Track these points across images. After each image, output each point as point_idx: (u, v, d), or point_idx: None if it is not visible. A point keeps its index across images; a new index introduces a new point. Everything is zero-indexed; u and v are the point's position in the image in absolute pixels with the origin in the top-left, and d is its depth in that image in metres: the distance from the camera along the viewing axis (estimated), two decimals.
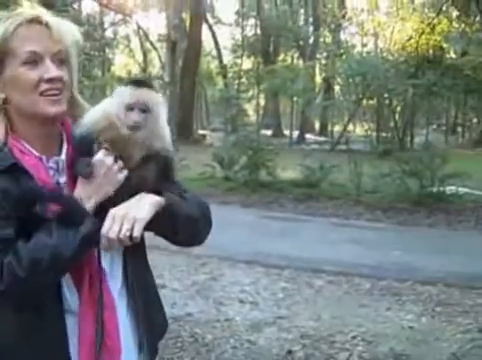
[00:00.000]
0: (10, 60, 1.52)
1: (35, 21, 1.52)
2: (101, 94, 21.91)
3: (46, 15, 1.56)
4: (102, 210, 1.52)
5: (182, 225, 1.60)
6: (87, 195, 1.53)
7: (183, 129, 18.92)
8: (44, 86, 1.52)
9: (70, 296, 1.57)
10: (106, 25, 36.61)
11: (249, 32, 40.62)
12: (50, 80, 1.52)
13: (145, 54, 40.01)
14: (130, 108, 1.55)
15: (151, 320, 1.72)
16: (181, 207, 1.59)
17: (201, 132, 27.38)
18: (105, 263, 1.60)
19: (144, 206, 1.51)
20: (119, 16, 34.59)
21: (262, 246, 7.28)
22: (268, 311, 5.05)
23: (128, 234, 1.45)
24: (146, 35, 36.26)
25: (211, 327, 4.67)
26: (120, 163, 1.57)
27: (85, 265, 1.54)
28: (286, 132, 29.62)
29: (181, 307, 5.07)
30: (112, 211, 1.48)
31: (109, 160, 1.56)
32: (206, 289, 5.62)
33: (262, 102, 33.56)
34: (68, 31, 1.58)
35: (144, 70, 37.86)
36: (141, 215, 1.48)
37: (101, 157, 1.56)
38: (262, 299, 5.37)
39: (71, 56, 1.62)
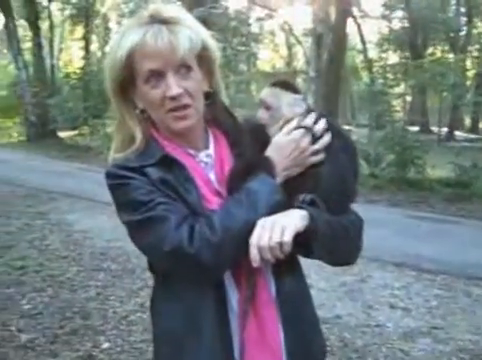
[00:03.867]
0: (137, 76, 1.51)
1: (151, 36, 1.47)
2: (246, 89, 22.24)
3: (166, 23, 1.50)
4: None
5: (327, 244, 1.49)
6: (280, 169, 1.50)
7: None
8: (169, 104, 1.50)
9: (232, 296, 1.53)
10: (252, 20, 37.08)
11: (396, 25, 39.43)
12: (173, 98, 1.48)
13: (290, 49, 40.13)
14: (259, 105, 1.57)
15: (304, 340, 1.61)
16: (328, 225, 1.48)
17: (346, 127, 26.96)
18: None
19: (294, 216, 1.44)
20: (265, 11, 34.91)
21: (412, 248, 6.95)
22: (421, 319, 4.78)
23: (278, 240, 1.38)
24: (291, 29, 36.32)
25: (361, 332, 4.50)
26: (316, 146, 1.52)
27: (244, 263, 1.48)
28: (433, 129, 28.45)
29: (329, 309, 4.93)
30: (260, 221, 1.42)
31: (306, 140, 1.51)
32: (355, 291, 5.43)
33: (408, 97, 32.48)
34: (190, 36, 1.51)
35: (288, 65, 38.01)
36: (291, 223, 1.41)
37: (299, 135, 1.52)
38: (414, 306, 5.10)
39: (205, 59, 1.58)
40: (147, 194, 1.49)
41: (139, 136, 1.57)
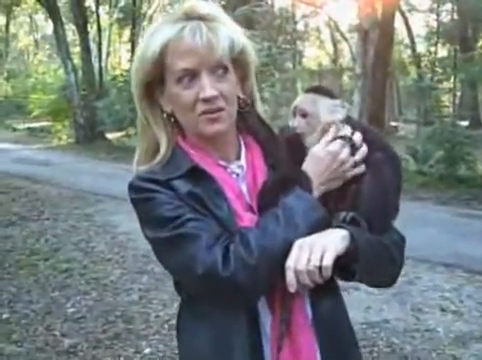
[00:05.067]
0: (168, 75, 1.40)
1: (189, 31, 1.36)
2: (292, 87, 22.11)
3: (203, 20, 1.39)
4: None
5: (368, 266, 1.37)
6: (317, 183, 1.40)
7: (375, 121, 18.40)
8: (201, 107, 1.38)
9: (265, 319, 1.42)
10: (297, 18, 36.87)
11: (445, 18, 38.63)
12: (206, 100, 1.37)
13: (335, 45, 39.75)
14: (293, 113, 1.46)
15: None
16: (369, 246, 1.36)
17: (393, 123, 26.49)
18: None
19: (334, 236, 1.32)
20: (310, 8, 34.65)
21: (463, 248, 6.70)
22: (474, 323, 4.59)
23: (318, 264, 1.26)
24: (337, 26, 35.98)
25: (410, 337, 4.34)
26: (356, 157, 1.41)
27: (277, 286, 1.37)
28: None
29: (376, 312, 4.79)
30: (298, 242, 1.31)
31: (345, 152, 1.40)
32: (403, 293, 5.25)
33: (458, 91, 31.78)
34: (231, 35, 1.41)
35: (334, 61, 37.66)
36: (331, 245, 1.29)
37: (338, 148, 1.41)
38: (466, 309, 4.90)
39: (241, 63, 1.48)
40: (175, 209, 1.39)
41: (164, 144, 1.47)
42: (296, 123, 1.47)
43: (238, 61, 1.47)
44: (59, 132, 21.93)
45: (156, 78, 1.44)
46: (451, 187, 10.85)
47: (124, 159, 14.52)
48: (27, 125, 25.88)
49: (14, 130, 26.38)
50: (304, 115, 1.46)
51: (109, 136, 20.41)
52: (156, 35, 1.40)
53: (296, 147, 1.47)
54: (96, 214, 8.82)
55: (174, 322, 4.51)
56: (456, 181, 11.15)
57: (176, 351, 4.01)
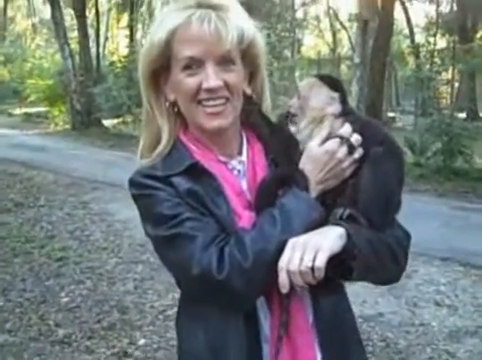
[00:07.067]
0: (174, 63, 1.37)
1: (197, 19, 1.33)
2: (290, 76, 22.01)
3: (214, 9, 1.36)
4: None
5: (368, 265, 1.33)
6: (314, 183, 1.36)
7: (372, 111, 18.34)
8: (203, 95, 1.35)
9: (264, 320, 1.39)
10: (296, 6, 36.67)
11: (444, 8, 38.49)
12: (209, 90, 1.34)
13: (334, 34, 39.59)
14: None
15: None
16: (369, 244, 1.32)
17: (390, 114, 26.42)
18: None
19: (329, 235, 1.28)
20: None
21: (460, 242, 6.67)
22: (469, 318, 4.58)
23: (310, 265, 1.22)
24: (336, 15, 35.83)
25: (404, 332, 4.34)
26: (355, 156, 1.37)
27: (275, 288, 1.33)
28: None
29: (371, 306, 4.78)
30: (291, 241, 1.27)
31: (342, 151, 1.36)
32: (398, 287, 5.21)
33: (456, 82, 31.63)
34: (241, 26, 1.37)
35: (333, 51, 37.51)
36: (326, 244, 1.25)
37: (335, 146, 1.37)
38: (461, 303, 4.89)
39: (251, 57, 1.44)
40: (173, 207, 1.37)
41: (166, 134, 1.44)
42: (291, 102, 1.47)
43: (247, 54, 1.44)
44: (55, 118, 21.84)
45: (162, 65, 1.41)
46: (449, 180, 10.82)
47: (121, 147, 14.50)
48: (23, 110, 25.79)
49: (10, 115, 26.29)
50: (299, 97, 1.45)
51: (106, 123, 20.32)
52: (165, 21, 1.38)
53: (291, 141, 1.44)
54: (92, 202, 8.78)
55: (169, 313, 4.53)
56: (453, 174, 11.12)
57: (171, 342, 4.03)
